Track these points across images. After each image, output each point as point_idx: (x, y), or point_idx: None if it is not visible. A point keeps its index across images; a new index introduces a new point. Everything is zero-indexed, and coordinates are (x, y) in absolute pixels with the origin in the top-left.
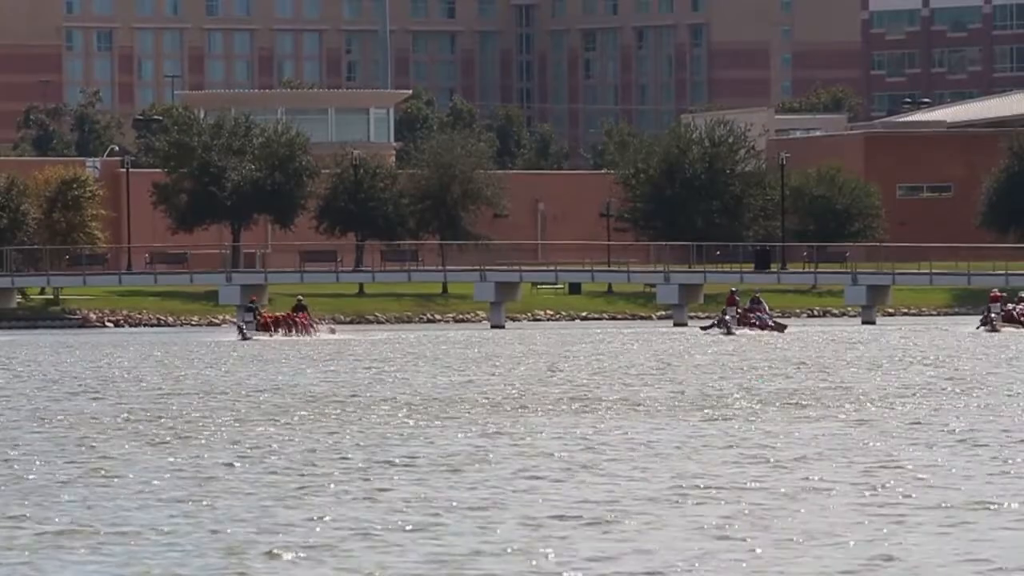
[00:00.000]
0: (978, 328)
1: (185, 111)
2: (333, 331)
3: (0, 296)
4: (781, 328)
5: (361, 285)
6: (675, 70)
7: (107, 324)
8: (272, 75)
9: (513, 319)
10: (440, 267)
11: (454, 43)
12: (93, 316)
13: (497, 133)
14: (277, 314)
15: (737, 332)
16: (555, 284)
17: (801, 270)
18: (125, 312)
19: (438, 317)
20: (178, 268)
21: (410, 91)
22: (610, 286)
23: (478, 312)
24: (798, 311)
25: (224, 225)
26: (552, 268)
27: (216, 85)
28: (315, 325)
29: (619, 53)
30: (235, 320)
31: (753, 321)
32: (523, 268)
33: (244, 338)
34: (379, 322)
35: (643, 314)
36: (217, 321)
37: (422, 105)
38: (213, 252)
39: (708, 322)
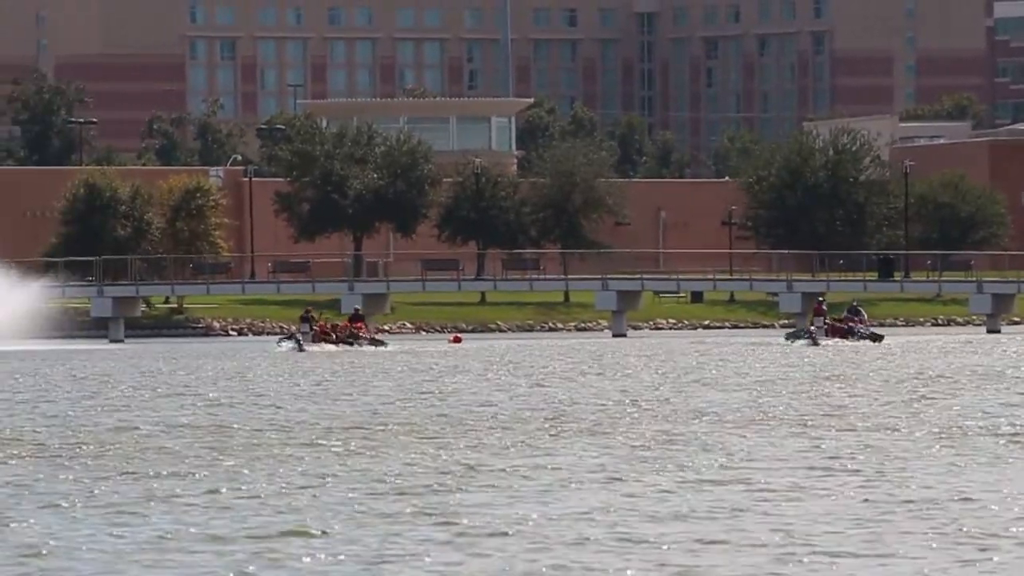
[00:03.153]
0: None
1: (308, 120)
2: (383, 342)
3: (125, 305)
4: (877, 339)
5: (483, 294)
6: (797, 78)
7: (230, 332)
8: (394, 84)
9: (635, 328)
10: (562, 276)
11: (575, 51)
12: (216, 325)
13: (618, 141)
14: (334, 324)
15: (824, 343)
16: (677, 293)
17: (925, 279)
18: (248, 321)
19: (560, 326)
20: (300, 277)
21: (531, 99)
22: (732, 295)
23: (600, 321)
24: (922, 320)
25: (346, 234)
26: (674, 277)
27: (338, 94)
28: (372, 335)
29: (741, 61)
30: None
31: (845, 331)
32: (645, 277)
33: (300, 349)
34: (501, 331)
35: (765, 323)
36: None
37: (544, 113)
38: (335, 261)
39: (793, 330)
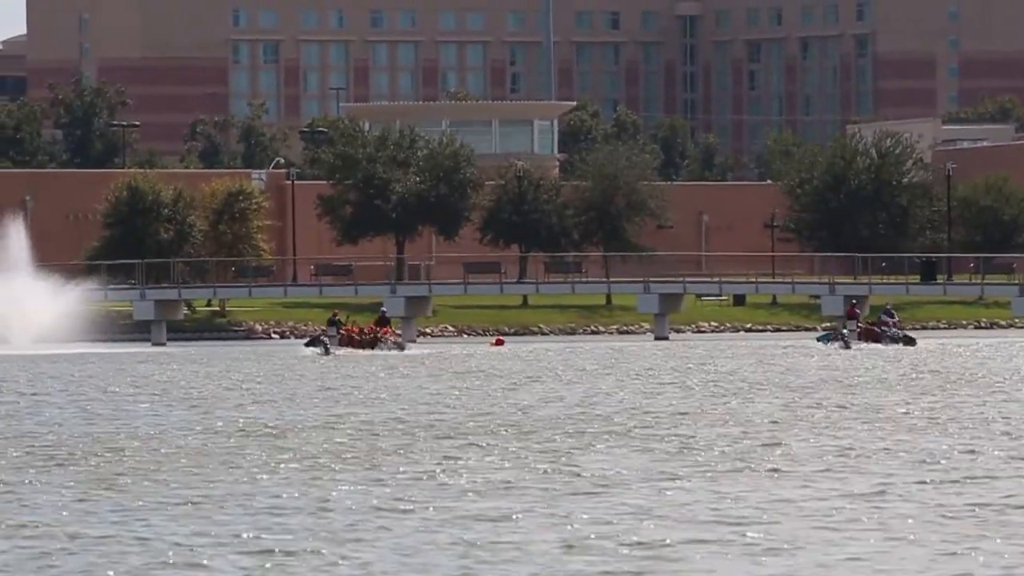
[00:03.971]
0: None
1: (350, 123)
2: (403, 346)
3: (168, 308)
4: (910, 342)
5: (525, 297)
6: (840, 80)
7: (272, 336)
8: (436, 87)
9: (677, 331)
10: (604, 279)
11: (618, 54)
12: (259, 328)
13: (661, 144)
14: (361, 328)
15: (856, 347)
16: (719, 296)
17: (968, 282)
18: (291, 324)
19: (602, 329)
20: (343, 280)
21: (574, 103)
22: (774, 297)
23: (642, 324)
24: (964, 323)
25: (388, 237)
26: (716, 279)
27: (381, 97)
28: (399, 339)
29: (783, 64)
30: (320, 334)
31: (878, 334)
32: (687, 280)
33: (326, 353)
34: (543, 334)
35: (807, 326)
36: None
37: (586, 116)
38: (378, 264)
39: (825, 333)
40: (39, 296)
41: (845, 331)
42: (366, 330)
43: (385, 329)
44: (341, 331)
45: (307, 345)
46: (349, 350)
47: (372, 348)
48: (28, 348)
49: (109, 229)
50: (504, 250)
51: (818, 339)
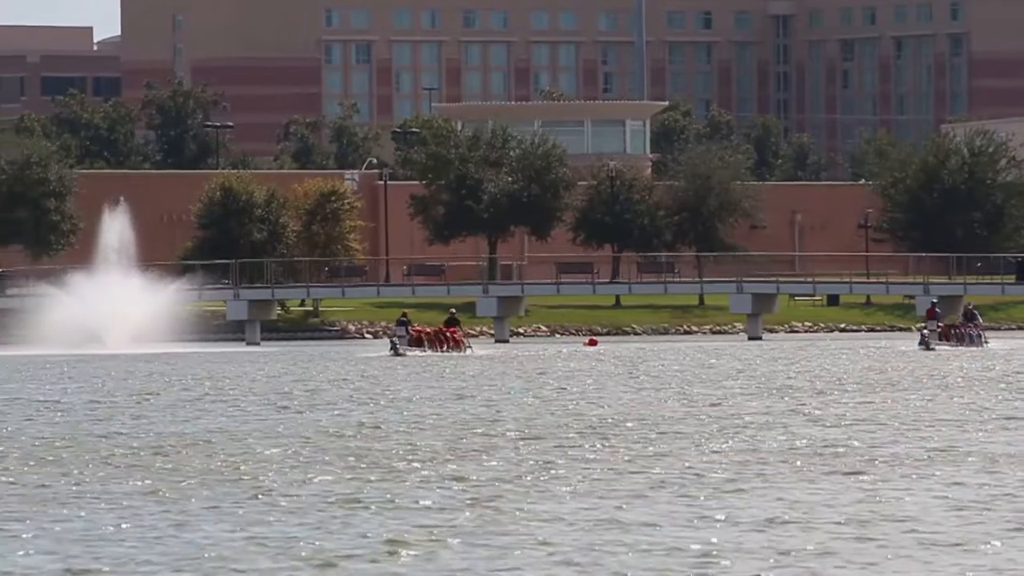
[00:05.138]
0: None
1: (443, 123)
2: (468, 346)
3: (261, 308)
4: (983, 343)
5: (617, 297)
6: (934, 80)
7: (365, 335)
8: (528, 87)
9: (770, 331)
10: (696, 279)
11: (710, 54)
12: (352, 328)
13: (754, 144)
14: (430, 328)
15: (937, 347)
16: (813, 296)
17: None
18: (383, 323)
19: (695, 329)
20: (435, 280)
21: (666, 102)
22: (868, 298)
23: (735, 324)
24: None
25: (481, 237)
26: (810, 280)
27: (473, 97)
28: (466, 341)
29: (877, 63)
30: (390, 334)
31: (959, 335)
32: (780, 280)
33: (396, 353)
34: (635, 333)
35: (902, 326)
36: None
37: (679, 116)
38: (470, 264)
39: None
40: (135, 297)
41: (926, 331)
42: (435, 330)
43: (453, 330)
44: (411, 331)
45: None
46: (419, 350)
47: (441, 349)
48: (124, 348)
49: (203, 230)
50: (597, 250)
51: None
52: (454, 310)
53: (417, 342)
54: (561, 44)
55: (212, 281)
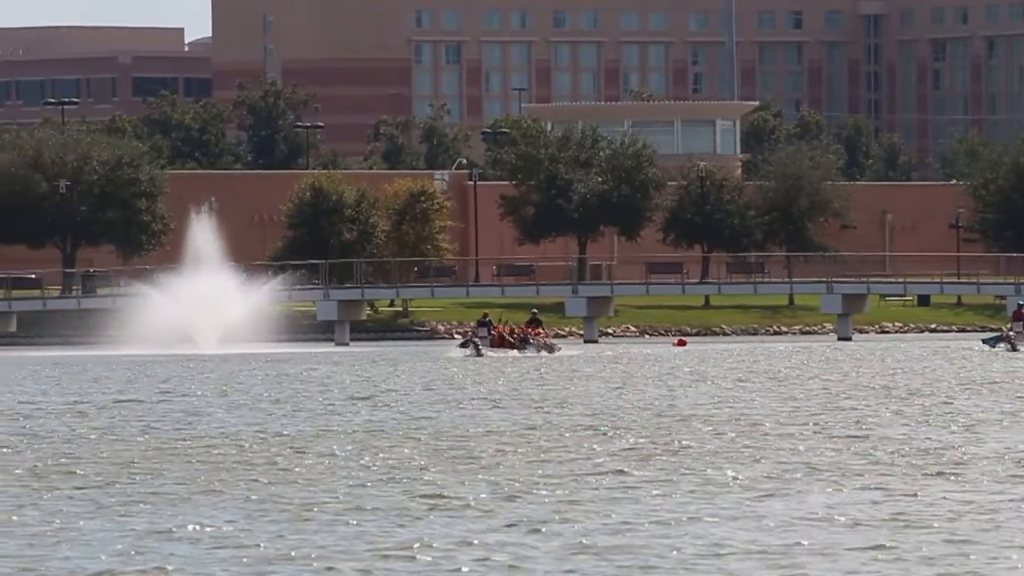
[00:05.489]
0: None
1: (532, 124)
2: (556, 347)
3: (350, 308)
4: None
5: (707, 297)
6: None
7: (455, 336)
8: (618, 87)
9: (861, 331)
10: (786, 279)
11: (801, 54)
12: (441, 328)
13: (844, 144)
14: (511, 328)
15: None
16: (903, 296)
17: None
18: (473, 324)
19: (784, 329)
20: (525, 280)
21: (756, 102)
22: (959, 298)
23: (825, 324)
24: None
25: (570, 237)
26: (900, 280)
27: (563, 97)
28: (546, 340)
29: (969, 63)
30: (471, 336)
31: None
32: (870, 280)
33: (478, 354)
34: (725, 334)
35: (993, 326)
36: (563, 334)
37: (769, 116)
38: (559, 264)
39: (991, 334)
40: (226, 297)
41: (1011, 332)
42: (517, 331)
43: (536, 330)
44: (492, 332)
45: (460, 347)
46: (501, 351)
47: (522, 350)
48: (216, 348)
49: (293, 230)
50: (686, 250)
51: (983, 341)
52: (536, 310)
53: (499, 343)
54: (651, 44)
55: (301, 281)
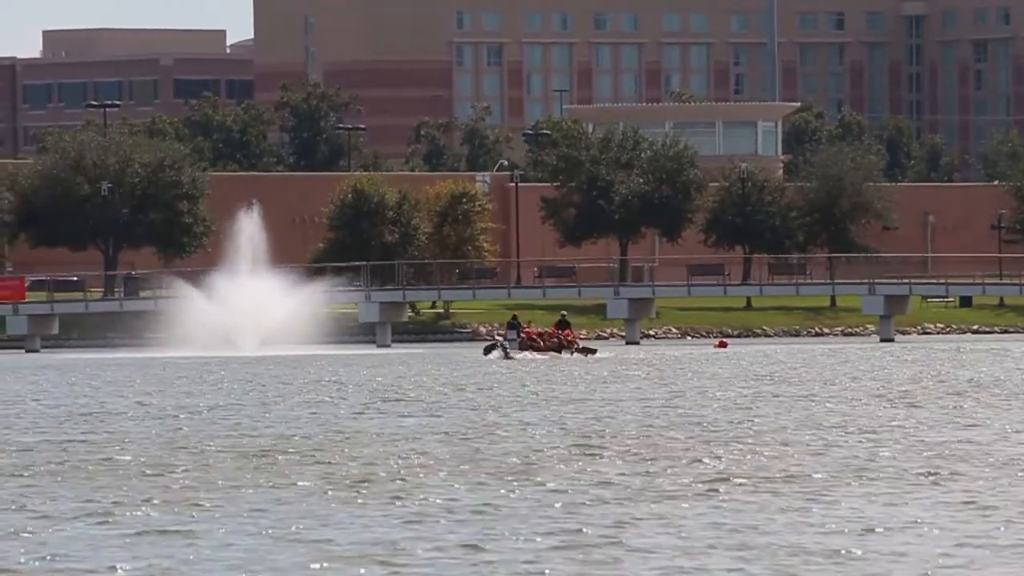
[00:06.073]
0: None
1: (573, 125)
2: (593, 350)
3: (392, 310)
4: None
5: (748, 299)
6: None
7: (496, 337)
8: (660, 88)
9: (903, 333)
10: (828, 280)
11: (842, 55)
12: (483, 330)
13: (886, 145)
14: (542, 331)
15: None
16: (945, 297)
17: None
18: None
19: (826, 331)
20: (566, 281)
21: (798, 103)
22: (1002, 299)
23: (867, 326)
24: None
25: (612, 238)
26: (942, 281)
27: (604, 99)
28: (583, 344)
29: (1011, 63)
30: (500, 338)
31: None
32: (912, 281)
33: (507, 357)
34: (767, 336)
35: None
36: (604, 335)
37: (811, 117)
38: (601, 265)
39: None
40: (268, 299)
41: None
42: (547, 333)
43: (566, 332)
44: (521, 334)
45: (486, 351)
46: (531, 354)
47: (558, 352)
48: (257, 351)
49: (334, 231)
50: (728, 252)
51: None
52: (564, 312)
53: (529, 345)
54: (692, 45)
55: (343, 283)
